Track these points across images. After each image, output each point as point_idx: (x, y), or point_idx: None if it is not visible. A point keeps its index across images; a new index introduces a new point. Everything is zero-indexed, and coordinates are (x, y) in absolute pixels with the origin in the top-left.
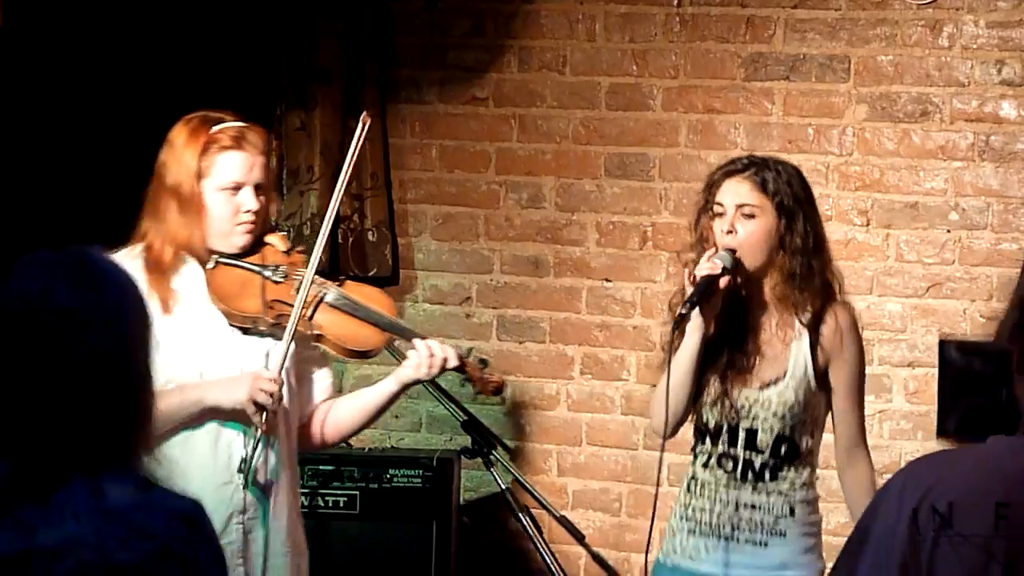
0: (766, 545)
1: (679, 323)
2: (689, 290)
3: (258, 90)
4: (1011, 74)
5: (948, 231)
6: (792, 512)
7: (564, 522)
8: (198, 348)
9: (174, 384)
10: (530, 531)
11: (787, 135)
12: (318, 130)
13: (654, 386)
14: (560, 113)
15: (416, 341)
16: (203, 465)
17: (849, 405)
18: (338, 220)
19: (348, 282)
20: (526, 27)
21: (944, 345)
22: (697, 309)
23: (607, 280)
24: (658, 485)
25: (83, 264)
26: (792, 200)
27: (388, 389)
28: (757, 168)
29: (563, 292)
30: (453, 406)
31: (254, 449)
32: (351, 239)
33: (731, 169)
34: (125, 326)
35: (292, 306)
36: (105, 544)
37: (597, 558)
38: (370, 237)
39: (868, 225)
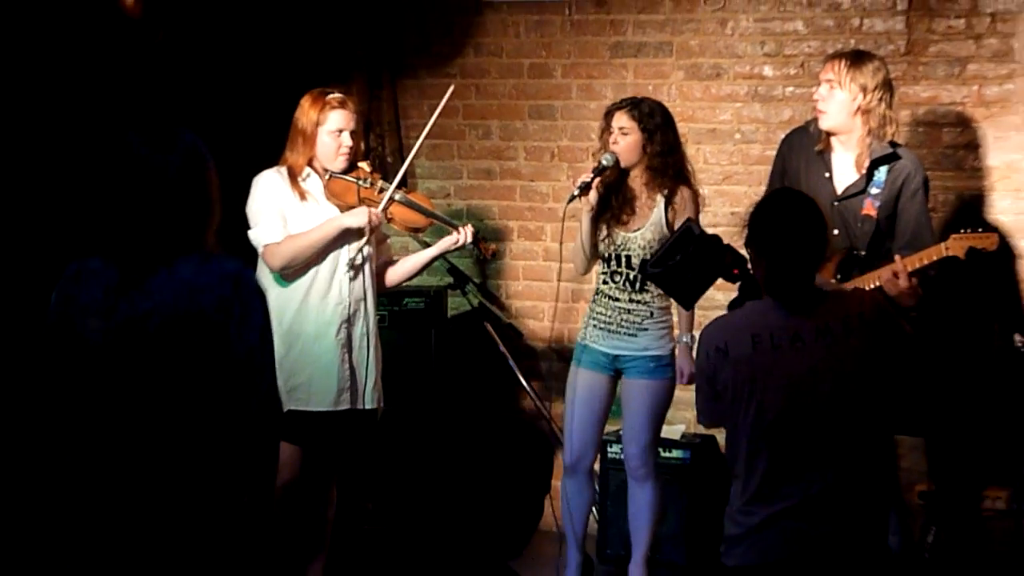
0: (635, 335)
1: (569, 202)
2: (578, 184)
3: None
4: (770, 49)
5: (734, 145)
6: (652, 315)
7: (510, 327)
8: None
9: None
10: (492, 334)
11: (636, 92)
12: (384, 99)
13: (568, 244)
14: (500, 82)
15: (456, 224)
16: (324, 291)
17: None
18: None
19: (408, 191)
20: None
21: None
22: (583, 196)
23: (532, 180)
24: (557, 300)
25: (170, 134)
26: (653, 125)
27: (431, 254)
28: (633, 105)
29: (505, 189)
30: (442, 259)
31: (360, 250)
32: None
33: (619, 106)
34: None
35: (378, 203)
36: (177, 302)
37: (529, 349)
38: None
39: (686, 143)
